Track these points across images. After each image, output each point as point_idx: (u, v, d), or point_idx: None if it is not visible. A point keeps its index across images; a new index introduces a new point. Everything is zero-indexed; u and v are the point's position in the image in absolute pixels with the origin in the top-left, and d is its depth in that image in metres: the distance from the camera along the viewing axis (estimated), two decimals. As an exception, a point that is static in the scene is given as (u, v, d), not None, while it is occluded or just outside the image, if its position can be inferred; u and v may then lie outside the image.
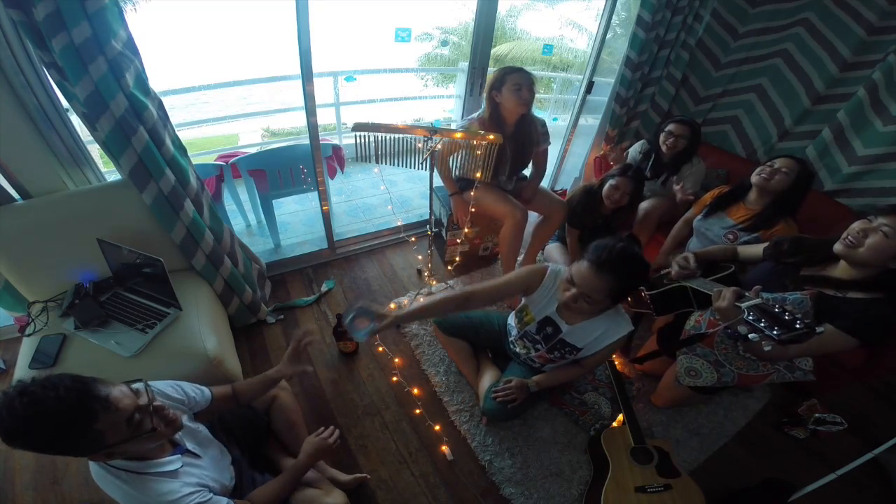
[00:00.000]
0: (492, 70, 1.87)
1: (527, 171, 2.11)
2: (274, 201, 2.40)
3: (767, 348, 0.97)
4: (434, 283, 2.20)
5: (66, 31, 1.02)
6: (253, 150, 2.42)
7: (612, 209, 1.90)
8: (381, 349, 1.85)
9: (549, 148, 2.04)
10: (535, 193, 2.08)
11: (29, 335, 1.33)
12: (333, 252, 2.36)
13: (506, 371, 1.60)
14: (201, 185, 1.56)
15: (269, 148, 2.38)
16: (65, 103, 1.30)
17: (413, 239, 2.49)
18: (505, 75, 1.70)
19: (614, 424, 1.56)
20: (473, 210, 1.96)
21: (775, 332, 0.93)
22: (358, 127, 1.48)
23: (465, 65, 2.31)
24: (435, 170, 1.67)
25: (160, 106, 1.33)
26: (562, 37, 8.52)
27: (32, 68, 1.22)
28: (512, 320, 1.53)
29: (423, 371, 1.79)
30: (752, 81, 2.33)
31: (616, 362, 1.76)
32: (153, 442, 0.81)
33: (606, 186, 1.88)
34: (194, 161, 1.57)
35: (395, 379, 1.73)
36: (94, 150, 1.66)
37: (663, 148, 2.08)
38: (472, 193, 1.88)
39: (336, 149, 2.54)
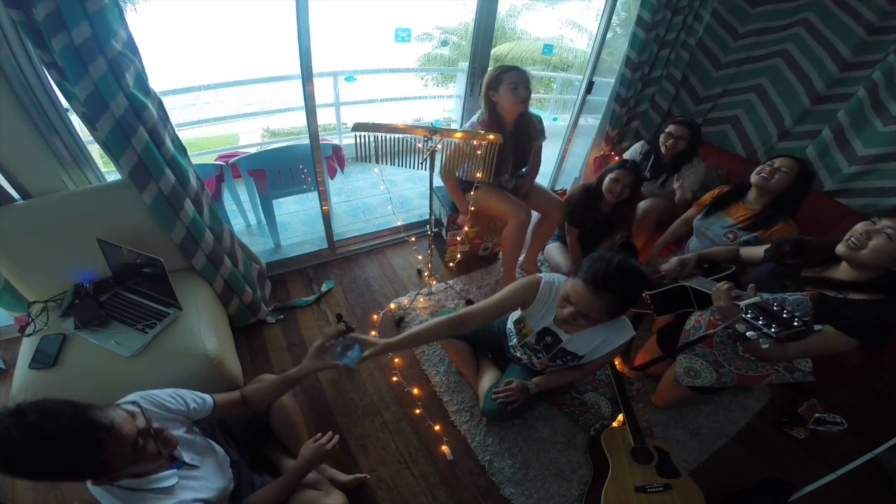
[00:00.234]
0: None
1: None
2: (274, 201, 2.40)
3: (765, 346, 0.97)
4: (434, 283, 2.20)
5: (66, 31, 1.02)
6: (253, 150, 2.42)
7: (613, 204, 1.90)
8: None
9: (550, 148, 2.05)
10: (531, 188, 2.08)
11: (29, 335, 1.33)
12: (333, 252, 2.36)
13: (506, 372, 1.59)
14: (201, 185, 1.56)
15: (269, 148, 2.38)
16: (65, 103, 1.30)
17: (413, 239, 2.49)
18: (501, 74, 1.70)
19: (614, 424, 1.56)
20: (473, 209, 1.96)
21: (773, 330, 0.93)
22: (358, 127, 1.48)
23: (465, 65, 2.31)
24: (435, 171, 1.67)
25: (160, 106, 1.33)
26: (562, 37, 8.52)
27: (32, 68, 1.22)
28: (511, 325, 1.53)
29: (423, 371, 1.79)
30: (752, 81, 2.33)
31: (616, 362, 1.76)
32: (155, 463, 0.79)
33: (606, 181, 1.88)
34: (194, 161, 1.56)
35: (395, 379, 1.73)
36: (94, 150, 1.66)
37: (663, 149, 2.08)
38: (472, 193, 1.88)
39: (336, 149, 2.54)
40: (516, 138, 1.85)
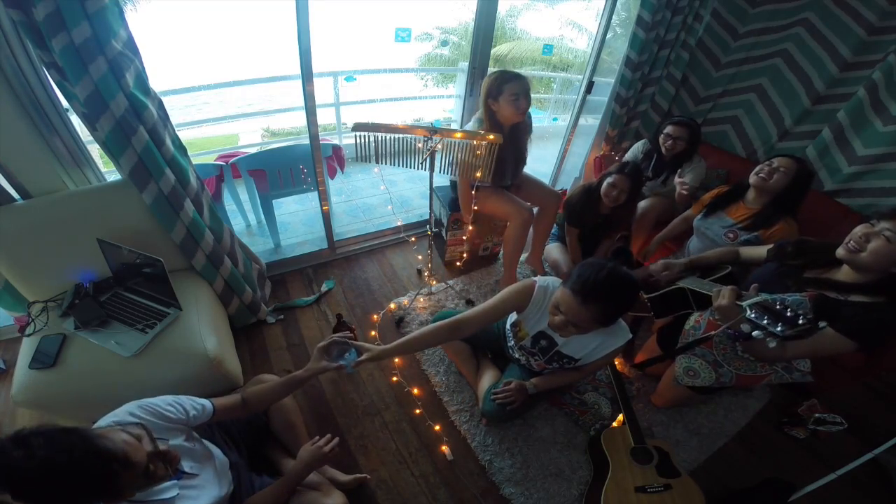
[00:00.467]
0: (491, 70, 1.86)
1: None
2: (274, 201, 2.40)
3: (772, 345, 0.97)
4: (434, 282, 2.20)
5: (66, 31, 1.02)
6: (253, 150, 2.41)
7: (610, 207, 1.90)
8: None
9: (550, 148, 2.05)
10: (523, 181, 2.09)
11: (29, 335, 1.33)
12: (333, 252, 2.36)
13: (505, 372, 1.59)
14: (201, 185, 1.56)
15: (269, 148, 2.38)
16: (65, 103, 1.30)
17: (413, 239, 2.49)
18: (502, 84, 1.67)
19: (614, 424, 1.56)
20: (476, 209, 1.96)
21: (779, 329, 0.93)
22: (358, 127, 1.48)
23: (465, 65, 2.31)
24: (435, 171, 1.67)
25: (160, 106, 1.33)
26: (562, 37, 8.52)
27: (32, 68, 1.22)
28: (509, 326, 1.53)
29: (423, 371, 1.79)
30: (752, 81, 2.33)
31: (616, 362, 1.76)
32: (160, 482, 0.78)
33: (604, 184, 1.88)
34: (194, 161, 1.56)
35: (395, 379, 1.73)
36: (94, 150, 1.66)
37: (663, 149, 2.08)
38: (473, 194, 1.88)
39: (336, 149, 2.54)
40: (514, 140, 1.85)
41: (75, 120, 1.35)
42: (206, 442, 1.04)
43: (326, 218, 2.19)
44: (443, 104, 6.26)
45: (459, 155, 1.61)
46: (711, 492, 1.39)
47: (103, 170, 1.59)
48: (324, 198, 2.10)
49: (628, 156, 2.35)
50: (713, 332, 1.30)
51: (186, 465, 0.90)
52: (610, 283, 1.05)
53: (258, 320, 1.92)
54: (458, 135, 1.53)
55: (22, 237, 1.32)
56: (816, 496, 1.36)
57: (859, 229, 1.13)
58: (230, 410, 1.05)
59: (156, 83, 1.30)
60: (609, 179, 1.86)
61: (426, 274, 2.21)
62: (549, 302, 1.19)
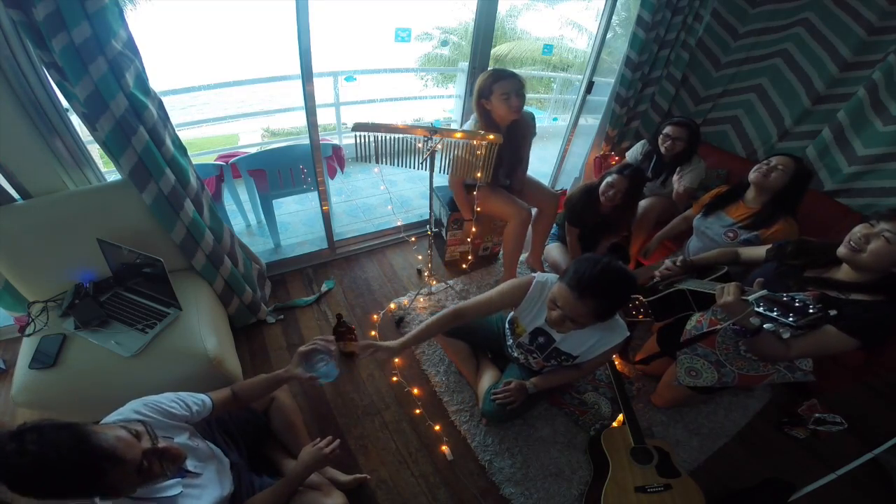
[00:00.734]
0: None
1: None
2: (274, 201, 2.40)
3: (786, 335, 0.97)
4: (434, 282, 2.20)
5: (66, 31, 1.02)
6: (253, 150, 2.41)
7: (608, 206, 1.90)
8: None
9: (550, 148, 2.05)
10: (524, 184, 2.09)
11: (29, 335, 1.33)
12: (333, 252, 2.36)
13: (505, 372, 1.59)
14: (201, 185, 1.56)
15: (269, 148, 2.38)
16: (65, 103, 1.30)
17: (413, 239, 2.49)
18: (492, 84, 1.67)
19: (614, 424, 1.56)
20: (479, 210, 1.96)
21: (791, 319, 0.93)
22: (358, 127, 1.48)
23: (465, 65, 2.31)
24: (435, 171, 1.67)
25: (160, 106, 1.33)
26: (562, 37, 8.52)
27: (32, 68, 1.22)
28: (508, 324, 1.53)
29: (423, 371, 1.79)
30: (752, 81, 2.33)
31: (616, 362, 1.76)
32: (162, 478, 0.79)
33: (602, 184, 1.88)
34: (194, 161, 1.56)
35: (395, 379, 1.73)
36: (94, 150, 1.66)
37: (662, 150, 2.08)
38: (473, 194, 1.88)
39: (336, 149, 2.54)
40: (510, 140, 1.85)
41: (75, 120, 1.35)
42: (207, 442, 1.04)
43: (326, 218, 2.19)
44: (443, 104, 6.27)
45: (459, 155, 1.62)
46: (711, 492, 1.39)
47: (103, 170, 1.60)
48: (324, 198, 2.10)
49: (628, 156, 2.35)
50: (718, 327, 1.30)
51: (190, 464, 0.90)
52: (605, 278, 1.07)
53: (258, 320, 1.92)
54: (458, 135, 1.53)
55: (22, 237, 1.32)
56: (816, 496, 1.36)
57: (859, 229, 1.13)
58: (225, 403, 1.07)
59: (156, 83, 1.30)
60: (608, 179, 1.87)
61: (426, 274, 2.21)
62: (547, 298, 1.20)
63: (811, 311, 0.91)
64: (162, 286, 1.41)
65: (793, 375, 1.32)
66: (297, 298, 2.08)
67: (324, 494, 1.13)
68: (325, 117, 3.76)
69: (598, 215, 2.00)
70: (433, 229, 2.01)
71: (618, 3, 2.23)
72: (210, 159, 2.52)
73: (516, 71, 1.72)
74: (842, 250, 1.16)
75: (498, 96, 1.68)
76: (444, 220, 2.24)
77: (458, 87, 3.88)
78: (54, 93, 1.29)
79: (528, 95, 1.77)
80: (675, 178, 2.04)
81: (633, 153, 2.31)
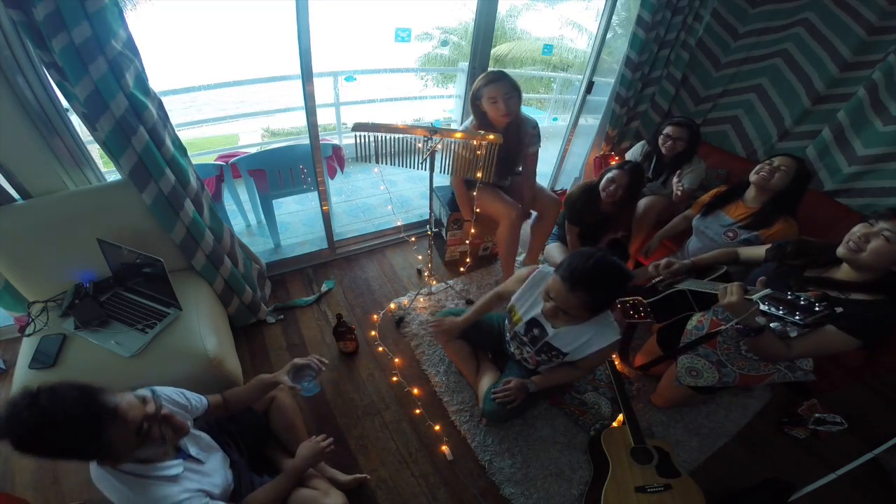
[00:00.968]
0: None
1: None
2: (274, 201, 2.40)
3: (793, 334, 0.97)
4: (434, 282, 2.20)
5: (66, 31, 1.02)
6: (253, 150, 2.41)
7: (608, 203, 1.89)
8: (381, 349, 1.85)
9: (550, 148, 2.04)
10: (532, 194, 2.08)
11: (29, 335, 1.33)
12: (333, 252, 2.36)
13: (504, 372, 1.60)
14: (201, 185, 1.56)
15: (269, 148, 2.38)
16: (65, 103, 1.30)
17: (413, 239, 2.49)
18: (482, 87, 1.70)
19: (614, 424, 1.56)
20: (478, 210, 1.96)
21: (798, 317, 0.93)
22: (358, 127, 1.48)
23: (465, 65, 2.31)
24: (435, 171, 1.67)
25: (160, 106, 1.33)
26: (562, 37, 8.52)
27: (32, 68, 1.22)
28: (507, 312, 1.55)
29: (423, 371, 1.79)
30: (752, 81, 2.33)
31: (616, 362, 1.76)
32: (161, 448, 0.82)
33: (603, 180, 1.88)
34: (194, 161, 1.57)
35: (395, 379, 1.73)
36: (94, 150, 1.66)
37: (662, 150, 2.08)
38: (473, 194, 1.88)
39: (336, 149, 2.54)
40: (506, 140, 1.85)
41: (75, 120, 1.35)
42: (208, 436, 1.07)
43: (326, 218, 2.19)
44: (443, 104, 6.26)
45: (460, 153, 1.61)
46: (711, 492, 1.39)
47: (103, 170, 1.60)
48: (324, 198, 2.10)
49: (628, 157, 2.35)
50: (721, 328, 1.30)
51: (193, 451, 0.93)
52: (598, 272, 1.09)
53: (258, 320, 1.92)
54: (458, 135, 1.54)
55: (22, 237, 1.32)
56: (816, 496, 1.36)
57: (858, 229, 1.14)
58: (216, 408, 1.13)
59: (156, 83, 1.30)
60: (608, 175, 1.87)
61: (426, 274, 2.21)
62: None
63: (818, 308, 0.91)
64: (162, 286, 1.40)
65: (793, 375, 1.32)
66: (297, 298, 2.08)
67: (324, 494, 1.14)
68: (325, 117, 3.76)
69: (598, 213, 2.00)
70: (433, 229, 2.01)
71: (618, 3, 2.23)
72: (210, 159, 2.52)
73: (516, 71, 1.71)
74: (841, 250, 1.16)
75: (486, 100, 1.70)
76: (444, 220, 2.24)
77: (458, 87, 3.88)
78: (54, 93, 1.29)
79: (528, 95, 1.78)
80: (674, 179, 2.04)
81: (633, 154, 2.31)
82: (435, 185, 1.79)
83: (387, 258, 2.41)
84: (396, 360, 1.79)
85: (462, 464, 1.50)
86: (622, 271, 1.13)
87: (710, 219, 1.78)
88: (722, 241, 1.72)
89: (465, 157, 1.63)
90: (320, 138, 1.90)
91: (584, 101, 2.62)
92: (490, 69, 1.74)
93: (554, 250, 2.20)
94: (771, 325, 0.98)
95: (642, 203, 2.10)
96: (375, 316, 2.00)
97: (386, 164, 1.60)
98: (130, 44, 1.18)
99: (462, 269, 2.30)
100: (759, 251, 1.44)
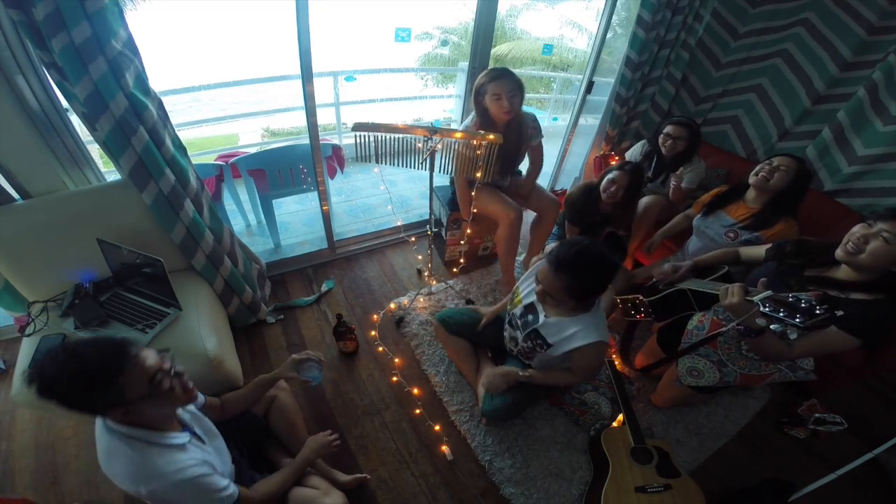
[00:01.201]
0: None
1: (524, 167, 2.11)
2: (274, 201, 2.40)
3: (793, 336, 0.97)
4: (434, 282, 2.20)
5: (66, 31, 1.02)
6: (253, 150, 2.41)
7: (609, 203, 1.89)
8: (381, 349, 1.85)
9: (549, 148, 2.04)
10: (533, 189, 2.08)
11: (29, 335, 1.33)
12: (333, 252, 2.36)
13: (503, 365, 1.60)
14: (201, 185, 1.56)
15: (269, 148, 2.38)
16: (65, 103, 1.30)
17: (413, 239, 2.49)
18: (485, 84, 1.70)
19: (614, 424, 1.56)
20: (475, 210, 1.96)
21: (798, 320, 0.93)
22: (358, 127, 1.48)
23: (465, 65, 2.31)
24: (435, 171, 1.67)
25: (160, 106, 1.33)
26: (562, 37, 8.52)
27: (32, 68, 1.22)
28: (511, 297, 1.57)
29: (423, 371, 1.79)
30: (752, 81, 2.33)
31: (616, 362, 1.76)
32: (169, 406, 0.86)
33: (604, 181, 1.88)
34: (194, 161, 1.56)
35: (395, 379, 1.73)
36: (94, 150, 1.66)
37: (663, 149, 2.08)
38: (472, 194, 1.88)
39: (336, 149, 2.54)
40: (507, 139, 1.85)
41: (75, 120, 1.35)
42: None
43: (326, 218, 2.19)
44: (443, 104, 6.27)
45: (460, 152, 1.61)
46: (711, 492, 1.39)
47: (103, 170, 1.60)
48: (324, 198, 2.10)
49: (627, 157, 2.35)
50: (723, 329, 1.30)
51: (197, 430, 0.96)
52: (581, 258, 1.13)
53: (258, 320, 1.92)
54: (458, 135, 1.54)
55: (22, 237, 1.32)
56: (816, 496, 1.36)
57: (857, 230, 1.13)
58: (211, 409, 1.13)
59: (156, 83, 1.30)
60: (609, 176, 1.87)
61: (426, 274, 2.21)
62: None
63: (818, 311, 0.91)
64: (162, 286, 1.41)
65: (794, 374, 1.32)
66: (297, 298, 2.08)
67: (324, 494, 1.14)
68: (325, 117, 3.76)
69: (599, 213, 2.00)
70: (433, 229, 2.01)
71: (618, 3, 2.22)
72: (210, 159, 2.52)
73: (516, 71, 1.72)
74: (840, 252, 1.16)
75: (490, 96, 1.70)
76: (444, 220, 2.24)
77: (458, 87, 3.88)
78: (54, 93, 1.29)
79: (529, 95, 1.78)
80: (673, 181, 2.04)
81: (633, 153, 2.31)
82: (435, 185, 1.79)
83: (387, 258, 2.41)
84: (396, 360, 1.79)
85: (462, 464, 1.50)
86: (607, 263, 1.15)
87: (710, 219, 1.78)
88: (723, 242, 1.71)
89: (466, 156, 1.64)
90: (320, 138, 1.90)
91: (584, 100, 2.62)
92: (493, 66, 1.73)
93: (554, 250, 2.20)
94: (771, 326, 0.99)
95: (642, 202, 2.10)
96: (375, 316, 2.00)
97: (386, 164, 1.60)
98: (130, 43, 1.18)
99: (455, 269, 2.30)
100: (760, 251, 1.44)
